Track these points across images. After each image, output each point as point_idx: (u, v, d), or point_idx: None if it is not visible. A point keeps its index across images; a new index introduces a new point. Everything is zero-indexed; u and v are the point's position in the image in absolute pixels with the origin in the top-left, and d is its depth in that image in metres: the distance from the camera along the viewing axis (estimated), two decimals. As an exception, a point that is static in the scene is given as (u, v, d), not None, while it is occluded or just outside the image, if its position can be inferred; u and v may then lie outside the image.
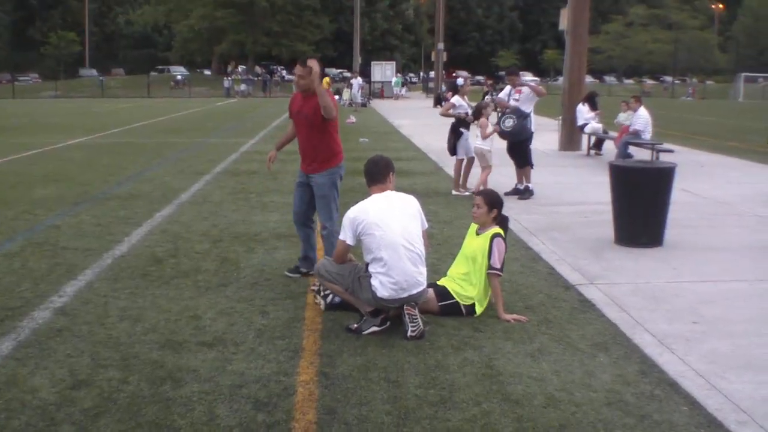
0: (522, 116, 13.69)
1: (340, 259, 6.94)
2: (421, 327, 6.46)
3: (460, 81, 15.40)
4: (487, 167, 13.80)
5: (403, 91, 69.89)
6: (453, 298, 7.04)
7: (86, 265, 8.83)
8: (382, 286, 6.56)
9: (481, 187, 12.31)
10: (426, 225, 6.98)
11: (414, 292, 6.59)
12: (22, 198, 13.53)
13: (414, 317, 6.47)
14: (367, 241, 6.68)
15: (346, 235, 6.78)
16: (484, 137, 13.75)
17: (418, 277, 6.64)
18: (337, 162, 8.32)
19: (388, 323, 6.61)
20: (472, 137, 14.37)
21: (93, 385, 5.41)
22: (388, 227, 6.61)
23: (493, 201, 7.35)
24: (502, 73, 45.56)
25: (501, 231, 7.23)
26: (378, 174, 6.96)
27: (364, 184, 7.18)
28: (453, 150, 14.60)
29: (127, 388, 5.38)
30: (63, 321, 6.85)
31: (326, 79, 8.01)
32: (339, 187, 8.42)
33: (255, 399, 5.21)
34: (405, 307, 6.52)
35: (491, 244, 7.08)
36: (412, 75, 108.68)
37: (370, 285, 6.61)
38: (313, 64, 7.87)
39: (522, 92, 13.92)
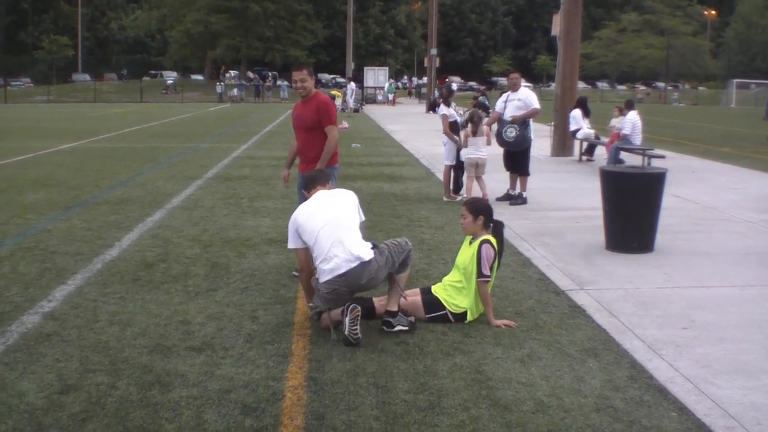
0: (524, 126, 13.69)
1: (303, 266, 7.02)
2: (359, 335, 6.37)
3: (454, 86, 15.28)
4: (481, 177, 13.68)
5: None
6: (442, 309, 6.98)
7: (76, 270, 8.81)
8: (321, 272, 6.65)
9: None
10: (362, 217, 7.09)
11: (349, 268, 6.53)
12: (12, 202, 13.50)
13: (354, 323, 6.36)
14: (304, 239, 6.84)
15: (290, 241, 7.01)
16: (489, 144, 13.68)
17: (346, 253, 6.58)
18: (331, 164, 8.50)
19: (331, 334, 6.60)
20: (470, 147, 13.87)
21: (81, 390, 5.40)
22: (314, 224, 6.74)
23: (477, 208, 7.31)
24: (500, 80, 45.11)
25: (490, 238, 7.20)
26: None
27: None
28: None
29: (116, 392, 5.36)
30: (52, 325, 6.83)
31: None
32: (333, 188, 8.48)
33: (243, 404, 5.20)
34: (349, 309, 6.41)
35: (479, 251, 7.05)
36: (406, 80, 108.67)
37: (317, 281, 6.72)
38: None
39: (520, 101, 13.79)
